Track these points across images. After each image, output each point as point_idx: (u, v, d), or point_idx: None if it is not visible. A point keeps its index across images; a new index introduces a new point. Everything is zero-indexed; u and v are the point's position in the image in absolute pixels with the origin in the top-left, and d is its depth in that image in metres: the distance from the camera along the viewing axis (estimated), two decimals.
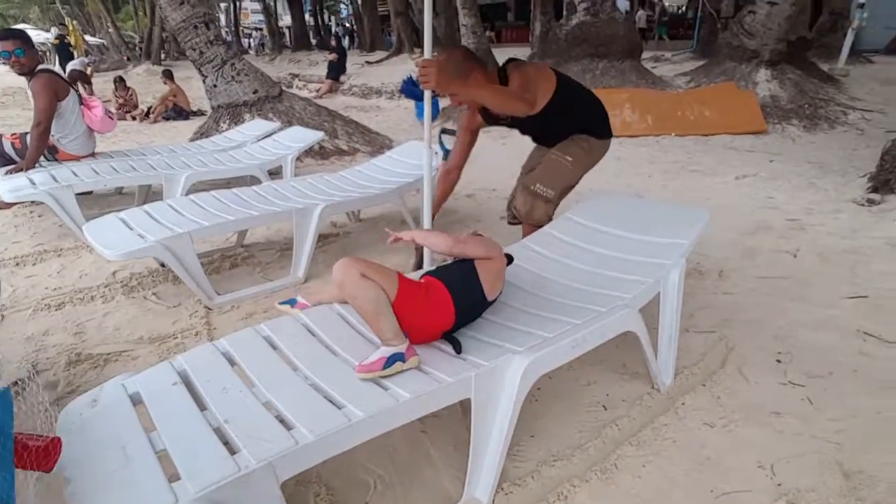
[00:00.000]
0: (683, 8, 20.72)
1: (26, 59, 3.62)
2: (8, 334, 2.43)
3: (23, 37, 3.67)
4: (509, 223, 2.86)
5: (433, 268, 1.85)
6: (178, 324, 2.53)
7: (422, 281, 1.66)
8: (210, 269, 3.09)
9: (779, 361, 2.14)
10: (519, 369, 1.50)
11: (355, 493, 1.59)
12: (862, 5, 9.30)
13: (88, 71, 11.08)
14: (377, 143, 6.33)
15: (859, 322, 2.40)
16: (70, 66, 10.64)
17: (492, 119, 2.59)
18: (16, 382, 2.09)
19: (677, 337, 2.01)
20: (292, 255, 2.96)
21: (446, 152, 3.02)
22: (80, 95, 4.00)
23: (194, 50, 5.79)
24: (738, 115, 6.67)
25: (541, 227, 2.56)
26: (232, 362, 1.56)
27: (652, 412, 1.89)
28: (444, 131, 2.94)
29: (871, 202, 3.90)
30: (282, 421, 1.29)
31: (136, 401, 1.42)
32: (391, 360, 1.43)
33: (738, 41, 7.97)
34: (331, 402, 1.35)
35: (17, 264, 3.13)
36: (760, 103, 7.03)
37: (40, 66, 3.73)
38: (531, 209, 2.54)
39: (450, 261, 1.82)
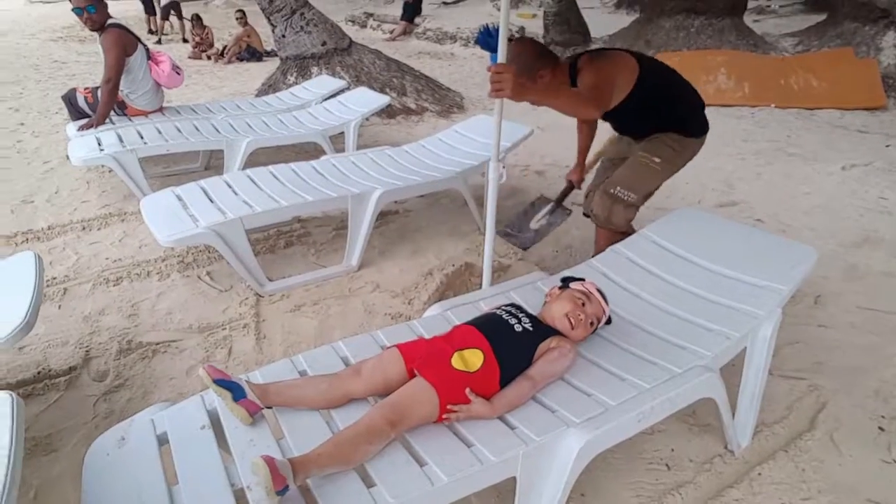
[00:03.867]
0: None
1: (97, 16, 3.60)
2: (68, 310, 2.47)
3: None
4: (584, 214, 2.63)
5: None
6: (227, 311, 2.49)
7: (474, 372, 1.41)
8: (265, 248, 3.03)
9: (881, 429, 1.85)
10: (573, 448, 1.33)
11: None
12: None
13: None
14: (447, 102, 6.05)
15: None
16: None
17: None
18: (70, 370, 2.13)
19: (761, 396, 1.76)
20: (347, 237, 2.85)
21: None
22: (147, 50, 3.96)
23: None
24: (851, 86, 5.88)
25: (620, 233, 2.33)
26: None
27: (722, 481, 1.68)
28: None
29: None
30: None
31: (162, 441, 1.36)
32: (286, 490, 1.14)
33: None
34: (361, 476, 1.23)
35: (84, 228, 3.18)
36: (882, 73, 6.17)
37: (110, 21, 3.69)
38: (610, 214, 2.31)
39: (524, 322, 1.56)
